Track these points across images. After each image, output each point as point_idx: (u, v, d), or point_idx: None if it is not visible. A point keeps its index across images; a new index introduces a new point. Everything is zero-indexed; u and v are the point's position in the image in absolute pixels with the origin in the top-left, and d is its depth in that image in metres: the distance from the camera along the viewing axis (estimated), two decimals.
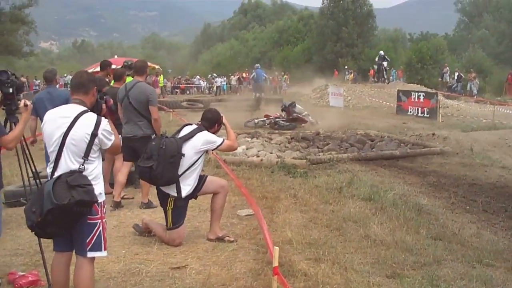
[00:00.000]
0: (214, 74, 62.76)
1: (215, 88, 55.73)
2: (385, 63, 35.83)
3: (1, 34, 52.93)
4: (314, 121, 21.95)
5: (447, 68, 46.35)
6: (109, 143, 4.69)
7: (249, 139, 16.40)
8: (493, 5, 73.99)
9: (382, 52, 38.16)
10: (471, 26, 77.43)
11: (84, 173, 4.50)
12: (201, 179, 7.03)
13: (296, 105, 22.32)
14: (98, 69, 11.79)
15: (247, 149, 14.47)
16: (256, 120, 21.73)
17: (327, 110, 29.54)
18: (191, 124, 7.16)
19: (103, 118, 4.69)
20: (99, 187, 4.60)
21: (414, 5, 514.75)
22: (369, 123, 22.39)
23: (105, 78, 10.80)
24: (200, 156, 6.88)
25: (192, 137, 6.82)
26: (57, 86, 10.24)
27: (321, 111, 28.46)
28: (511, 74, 44.44)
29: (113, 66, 12.69)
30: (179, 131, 7.08)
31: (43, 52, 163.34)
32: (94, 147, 4.58)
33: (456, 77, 43.40)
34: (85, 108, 4.66)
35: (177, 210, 6.80)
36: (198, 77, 64.32)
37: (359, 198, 9.30)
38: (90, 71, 15.59)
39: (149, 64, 16.60)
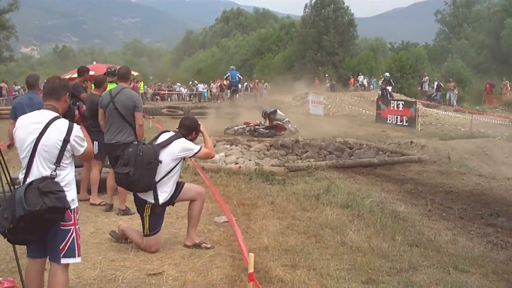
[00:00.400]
0: (196, 81, 62.82)
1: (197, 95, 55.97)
2: (389, 88, 35.41)
3: None
4: (293, 129, 22.01)
5: (427, 77, 46.72)
6: (82, 150, 4.67)
7: (228, 146, 16.39)
8: (473, 16, 74.86)
9: (388, 75, 37.68)
10: (451, 36, 78.29)
11: (56, 179, 4.49)
12: (179, 186, 7.04)
13: (278, 112, 22.50)
14: (76, 75, 11.70)
15: (225, 156, 14.47)
16: (235, 128, 21.74)
17: (307, 118, 29.67)
18: (169, 131, 7.16)
19: (75, 125, 4.68)
20: (71, 194, 4.59)
21: (395, 15, 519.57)
22: (349, 131, 22.52)
23: (82, 84, 10.76)
24: (177, 163, 6.88)
25: (169, 144, 6.83)
26: (39, 92, 10.16)
27: (301, 119, 28.54)
28: (489, 84, 45.01)
29: (92, 73, 12.63)
30: (156, 138, 7.08)
31: (24, 58, 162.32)
32: (66, 154, 4.57)
33: (435, 86, 43.79)
34: (57, 114, 4.65)
35: (154, 216, 6.80)
36: (179, 84, 64.27)
37: (336, 205, 9.33)
38: (67, 76, 15.60)
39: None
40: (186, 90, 61.42)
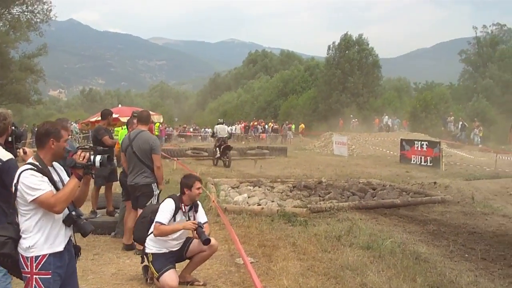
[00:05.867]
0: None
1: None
2: None
3: (10, 83, 53.62)
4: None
5: (452, 117, 46.61)
6: (29, 198, 4.38)
7: (251, 188, 16.45)
8: (497, 56, 74.23)
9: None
10: (476, 76, 77.64)
11: (20, 225, 4.48)
12: (186, 242, 7.25)
13: (217, 127, 25.86)
14: (100, 118, 11.91)
15: (248, 197, 14.53)
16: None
17: (331, 159, 29.71)
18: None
19: (25, 171, 4.43)
20: (27, 241, 4.45)
21: (419, 55, 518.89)
22: (372, 172, 22.51)
23: (105, 127, 10.99)
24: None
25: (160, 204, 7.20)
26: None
27: (325, 160, 28.63)
28: None
29: (116, 115, 12.88)
30: None
31: (52, 100, 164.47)
32: (19, 200, 4.45)
33: (460, 126, 43.63)
34: (30, 162, 4.55)
35: (155, 261, 6.96)
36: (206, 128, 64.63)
37: (357, 246, 9.33)
38: (93, 119, 15.89)
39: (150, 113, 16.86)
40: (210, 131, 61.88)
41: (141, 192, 8.76)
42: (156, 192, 8.85)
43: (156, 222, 6.82)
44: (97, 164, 4.65)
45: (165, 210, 6.92)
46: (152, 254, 6.92)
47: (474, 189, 15.99)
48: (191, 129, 62.40)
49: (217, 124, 26.89)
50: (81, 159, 4.60)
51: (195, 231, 6.79)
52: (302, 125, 58.30)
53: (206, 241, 6.78)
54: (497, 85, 67.92)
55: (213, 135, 26.58)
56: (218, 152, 25.18)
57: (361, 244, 9.44)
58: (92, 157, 4.69)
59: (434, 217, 12.74)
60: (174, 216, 6.92)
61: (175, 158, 25.27)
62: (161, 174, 8.87)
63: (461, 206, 14.09)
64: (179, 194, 7.17)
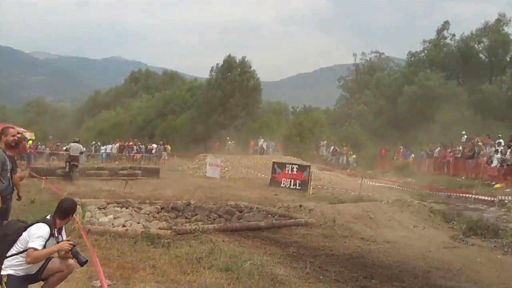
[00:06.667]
0: (99, 143, 62.42)
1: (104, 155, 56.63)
2: None
3: None
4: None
5: (325, 141, 48.12)
6: None
7: (118, 209, 16.24)
8: (373, 82, 76.97)
9: None
10: (352, 101, 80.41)
11: None
12: (46, 260, 6.90)
13: (71, 145, 28.75)
14: None
15: (114, 218, 14.34)
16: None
17: (203, 181, 29.87)
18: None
19: None
20: None
21: (300, 80, 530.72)
22: (242, 194, 22.79)
23: None
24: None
25: (31, 225, 6.72)
26: None
27: (196, 181, 28.76)
28: (384, 149, 46.78)
29: None
30: None
31: None
32: None
33: (331, 151, 45.17)
34: None
35: (9, 283, 6.54)
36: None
37: (217, 268, 9.47)
38: None
39: (21, 130, 16.48)
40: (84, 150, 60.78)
41: None
42: None
43: (30, 248, 6.41)
44: None
45: (40, 235, 6.53)
46: (7, 275, 6.56)
47: (336, 212, 16.61)
48: (64, 148, 60.94)
49: (73, 142, 29.95)
50: None
51: (70, 252, 6.62)
52: (168, 147, 57.92)
53: (85, 263, 6.66)
54: (370, 111, 70.44)
55: (66, 150, 31.51)
56: (67, 167, 28.20)
57: (220, 266, 9.60)
58: None
59: (295, 240, 13.12)
60: (46, 241, 6.58)
61: (44, 177, 24.59)
62: None
63: (323, 229, 14.60)
64: (49, 217, 6.87)
